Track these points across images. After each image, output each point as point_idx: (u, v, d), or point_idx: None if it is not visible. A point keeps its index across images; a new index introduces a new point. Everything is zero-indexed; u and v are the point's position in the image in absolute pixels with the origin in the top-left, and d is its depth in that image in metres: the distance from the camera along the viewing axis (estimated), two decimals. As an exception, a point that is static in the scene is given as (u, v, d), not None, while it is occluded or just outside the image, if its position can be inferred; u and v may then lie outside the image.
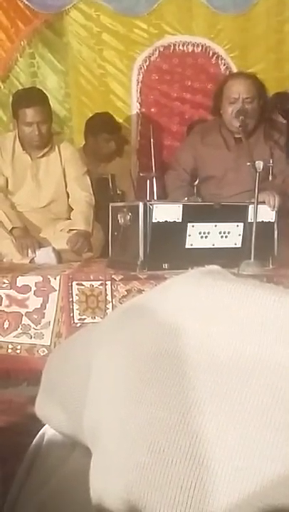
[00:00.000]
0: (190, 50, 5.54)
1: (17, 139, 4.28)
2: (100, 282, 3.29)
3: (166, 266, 3.39)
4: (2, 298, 3.29)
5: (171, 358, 0.77)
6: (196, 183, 4.27)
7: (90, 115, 5.26)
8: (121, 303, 3.24)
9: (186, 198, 3.78)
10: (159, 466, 0.74)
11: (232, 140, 4.09)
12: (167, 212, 3.37)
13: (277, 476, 0.67)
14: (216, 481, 0.70)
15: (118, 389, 0.81)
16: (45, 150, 4.30)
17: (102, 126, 5.05)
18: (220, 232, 3.48)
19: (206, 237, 3.46)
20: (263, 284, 0.79)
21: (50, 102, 4.40)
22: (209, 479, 0.71)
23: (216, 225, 3.47)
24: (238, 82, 4.03)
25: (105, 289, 3.27)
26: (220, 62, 5.54)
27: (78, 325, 3.28)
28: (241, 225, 3.52)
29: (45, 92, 4.46)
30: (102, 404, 0.84)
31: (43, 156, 4.31)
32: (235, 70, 5.41)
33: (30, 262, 3.94)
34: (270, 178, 3.58)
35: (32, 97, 4.23)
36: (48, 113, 4.24)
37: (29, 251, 4.00)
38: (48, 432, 1.19)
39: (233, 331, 0.75)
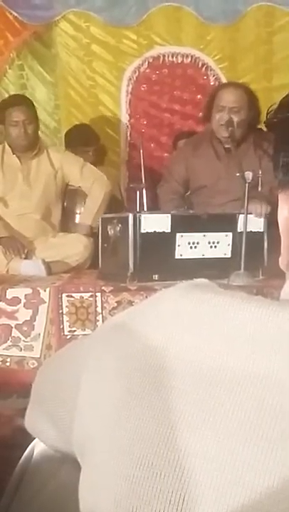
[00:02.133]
0: (179, 61, 5.55)
1: (6, 146, 4.38)
2: (90, 294, 3.29)
3: (156, 277, 3.39)
4: (-9, 310, 3.29)
5: (159, 372, 0.78)
6: (188, 193, 4.28)
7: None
8: (111, 314, 3.24)
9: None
10: (147, 480, 0.73)
11: (222, 150, 4.11)
12: (156, 222, 3.37)
13: (266, 489, 0.67)
14: (204, 494, 0.70)
15: (106, 402, 0.81)
16: (34, 152, 4.38)
17: (79, 139, 5.05)
18: (209, 242, 3.48)
19: (195, 247, 3.46)
20: (250, 297, 0.79)
21: (39, 114, 4.57)
22: (198, 493, 0.70)
23: (204, 235, 3.48)
24: (227, 91, 4.07)
25: (95, 301, 3.27)
26: (209, 73, 5.56)
27: (68, 337, 3.27)
28: (230, 234, 3.52)
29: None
30: (90, 418, 0.84)
31: (32, 158, 4.38)
32: (224, 80, 5.42)
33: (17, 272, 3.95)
34: (259, 188, 3.58)
35: (17, 98, 4.56)
36: (33, 114, 4.39)
37: (17, 254, 4.04)
38: (37, 445, 1.19)
39: (221, 344, 0.76)
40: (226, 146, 4.04)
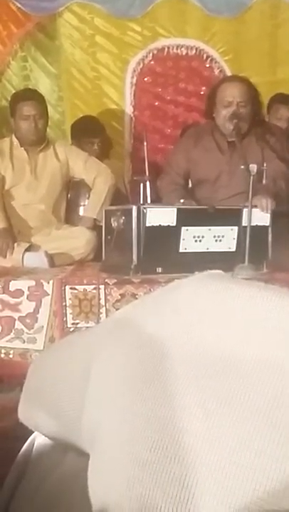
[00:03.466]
0: (184, 53, 5.54)
1: (14, 139, 4.40)
2: (94, 286, 3.28)
3: (159, 270, 3.38)
4: (-6, 302, 3.28)
5: (176, 357, 0.78)
6: (190, 186, 4.26)
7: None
8: (114, 307, 3.24)
9: (181, 200, 3.77)
10: (161, 464, 0.74)
11: (225, 143, 4.08)
12: (161, 216, 3.36)
13: (277, 475, 0.68)
14: (216, 478, 0.71)
15: (119, 389, 0.82)
16: (42, 146, 4.41)
17: (85, 130, 5.07)
18: (214, 236, 3.48)
19: (200, 240, 3.45)
20: (267, 286, 0.80)
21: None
22: (210, 476, 0.71)
23: (210, 229, 3.47)
24: (232, 86, 4.03)
25: (99, 293, 3.27)
26: (214, 65, 5.55)
27: (71, 329, 3.27)
28: (236, 228, 3.51)
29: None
30: (102, 405, 0.85)
31: (39, 152, 4.40)
32: (229, 73, 5.41)
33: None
34: (264, 181, 3.57)
35: (29, 93, 4.57)
36: (44, 109, 4.42)
37: (7, 252, 4.05)
38: (38, 437, 1.19)
39: (239, 332, 0.76)
40: (230, 139, 4.01)
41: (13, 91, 5.09)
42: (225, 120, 3.98)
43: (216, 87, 4.13)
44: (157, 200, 4.30)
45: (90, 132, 5.05)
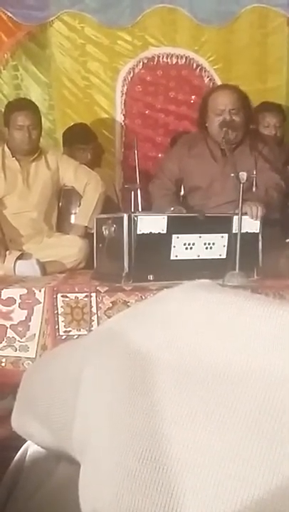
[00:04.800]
0: (174, 62, 5.56)
1: (6, 149, 4.40)
2: (85, 294, 3.28)
3: (151, 277, 3.38)
4: (-14, 311, 3.28)
5: (164, 368, 0.78)
6: (182, 193, 4.28)
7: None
8: (106, 315, 3.24)
9: (172, 208, 3.78)
10: (150, 474, 0.74)
11: (218, 151, 4.09)
12: (152, 223, 3.36)
13: (265, 484, 0.68)
14: (205, 487, 0.71)
15: (108, 399, 0.82)
16: (34, 156, 4.41)
17: (76, 137, 5.10)
18: (205, 244, 3.49)
19: (190, 248, 3.46)
20: (253, 295, 0.81)
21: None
22: (199, 486, 0.71)
23: (200, 237, 3.48)
24: (223, 94, 4.06)
25: (90, 301, 3.27)
26: (204, 74, 5.57)
27: (63, 337, 3.26)
28: (226, 236, 3.52)
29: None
30: (92, 415, 0.85)
31: (31, 162, 4.40)
32: (218, 82, 5.44)
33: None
34: (254, 189, 3.59)
35: (24, 103, 4.56)
36: (38, 120, 4.43)
37: None
38: (31, 446, 1.19)
39: (225, 341, 0.77)
40: (223, 147, 4.03)
41: (4, 100, 5.11)
42: (217, 129, 4.00)
43: (207, 95, 4.16)
44: (149, 208, 4.31)
45: (81, 139, 5.07)
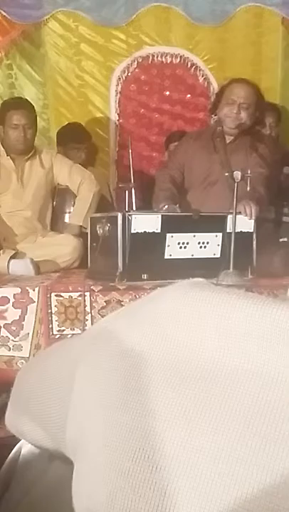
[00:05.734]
0: (168, 61, 5.56)
1: (0, 147, 4.39)
2: (79, 293, 3.28)
3: (145, 276, 3.38)
4: (-20, 310, 3.28)
5: (157, 366, 0.78)
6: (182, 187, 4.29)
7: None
8: (100, 314, 3.24)
9: (165, 207, 3.77)
10: (143, 473, 0.74)
11: (223, 145, 4.12)
12: (146, 222, 3.36)
13: (258, 483, 0.68)
14: (198, 486, 0.71)
15: (102, 398, 0.82)
16: (29, 155, 4.41)
17: (71, 136, 5.09)
18: (199, 243, 3.49)
19: (184, 247, 3.46)
20: (246, 294, 0.80)
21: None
22: (192, 485, 0.71)
23: (194, 236, 3.48)
24: (239, 86, 4.11)
25: (84, 300, 3.27)
26: (198, 73, 5.57)
27: (57, 336, 3.26)
28: (220, 235, 3.52)
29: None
30: (85, 414, 0.84)
31: (26, 160, 4.40)
32: (213, 81, 5.46)
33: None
34: (248, 187, 3.59)
35: (20, 102, 4.55)
36: (33, 119, 4.43)
37: None
38: (25, 445, 1.19)
39: (217, 341, 0.76)
40: (227, 140, 4.06)
41: (-1, 99, 5.10)
42: (225, 117, 4.05)
43: (226, 85, 4.21)
44: (143, 207, 4.31)
45: (76, 139, 5.07)
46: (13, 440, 1.25)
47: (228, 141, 4.06)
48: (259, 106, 4.14)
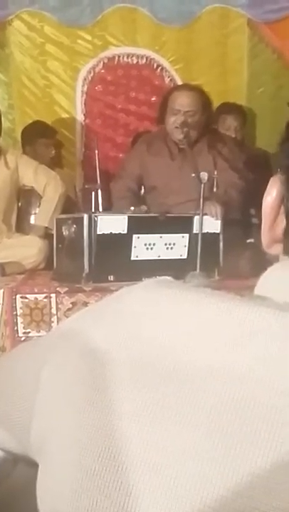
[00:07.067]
0: (134, 62, 5.56)
1: None
2: (45, 295, 3.26)
3: (111, 278, 3.38)
4: None
5: (123, 365, 0.77)
6: (142, 192, 4.29)
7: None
8: (66, 315, 3.22)
9: (132, 208, 3.78)
10: (109, 473, 0.73)
11: (176, 150, 4.12)
12: (112, 223, 3.36)
13: (225, 482, 0.67)
14: (164, 486, 0.69)
15: (68, 396, 0.81)
16: None
17: (38, 132, 5.08)
18: (165, 244, 3.49)
19: (151, 248, 3.46)
20: (214, 292, 0.79)
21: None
22: (158, 485, 0.70)
23: (161, 237, 3.48)
24: (181, 95, 4.07)
25: (50, 302, 3.25)
26: (164, 74, 5.58)
27: (23, 339, 3.24)
28: (187, 236, 3.53)
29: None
30: (51, 413, 0.83)
31: None
32: (179, 82, 5.45)
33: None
34: (215, 189, 3.60)
35: None
36: None
37: None
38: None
39: (183, 339, 0.76)
40: (181, 146, 4.05)
41: None
42: (173, 128, 4.02)
43: (168, 94, 4.18)
44: (109, 208, 4.31)
45: (44, 134, 5.07)
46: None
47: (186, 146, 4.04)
48: (206, 108, 4.11)
